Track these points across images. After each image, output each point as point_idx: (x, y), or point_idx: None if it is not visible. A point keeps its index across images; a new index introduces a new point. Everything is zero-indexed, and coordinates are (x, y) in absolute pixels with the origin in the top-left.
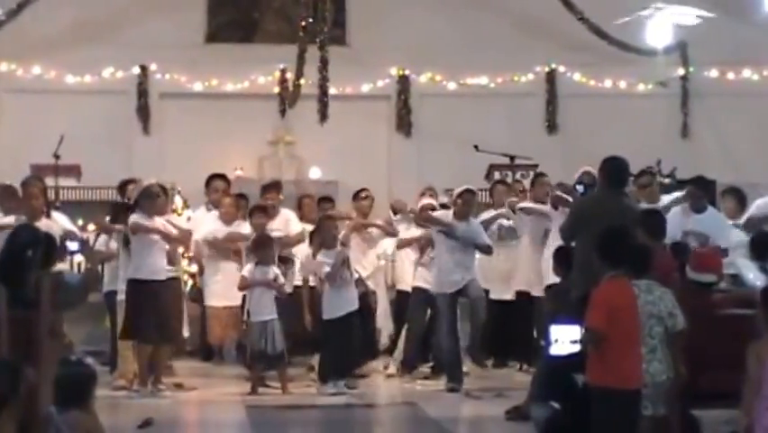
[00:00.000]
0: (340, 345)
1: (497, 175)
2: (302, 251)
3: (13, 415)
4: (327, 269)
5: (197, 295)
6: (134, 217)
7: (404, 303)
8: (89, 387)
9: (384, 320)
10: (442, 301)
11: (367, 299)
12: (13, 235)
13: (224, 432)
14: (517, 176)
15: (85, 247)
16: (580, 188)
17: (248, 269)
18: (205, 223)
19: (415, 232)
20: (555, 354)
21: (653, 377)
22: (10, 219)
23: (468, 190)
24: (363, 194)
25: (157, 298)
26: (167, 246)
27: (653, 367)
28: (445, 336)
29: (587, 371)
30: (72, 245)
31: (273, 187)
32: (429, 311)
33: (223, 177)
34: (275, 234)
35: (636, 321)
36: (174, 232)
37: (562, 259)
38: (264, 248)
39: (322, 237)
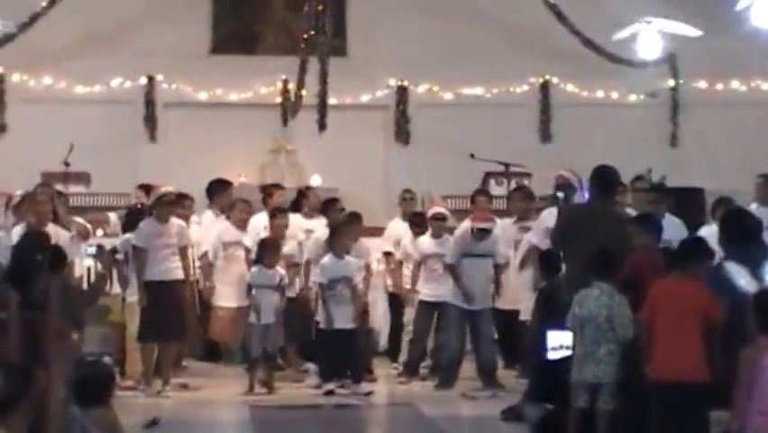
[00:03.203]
0: (332, 354)
1: (492, 182)
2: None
3: (24, 415)
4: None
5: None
6: (141, 228)
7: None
8: (109, 385)
9: (383, 323)
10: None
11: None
12: (22, 241)
13: (229, 431)
14: (512, 184)
15: (101, 251)
16: (560, 194)
17: (252, 271)
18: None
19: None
20: (550, 358)
21: (605, 376)
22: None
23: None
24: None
25: (164, 298)
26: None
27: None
28: (451, 343)
29: (650, 365)
30: (90, 249)
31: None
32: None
33: (231, 184)
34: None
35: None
36: None
37: (548, 263)
38: (271, 251)
39: (333, 245)
